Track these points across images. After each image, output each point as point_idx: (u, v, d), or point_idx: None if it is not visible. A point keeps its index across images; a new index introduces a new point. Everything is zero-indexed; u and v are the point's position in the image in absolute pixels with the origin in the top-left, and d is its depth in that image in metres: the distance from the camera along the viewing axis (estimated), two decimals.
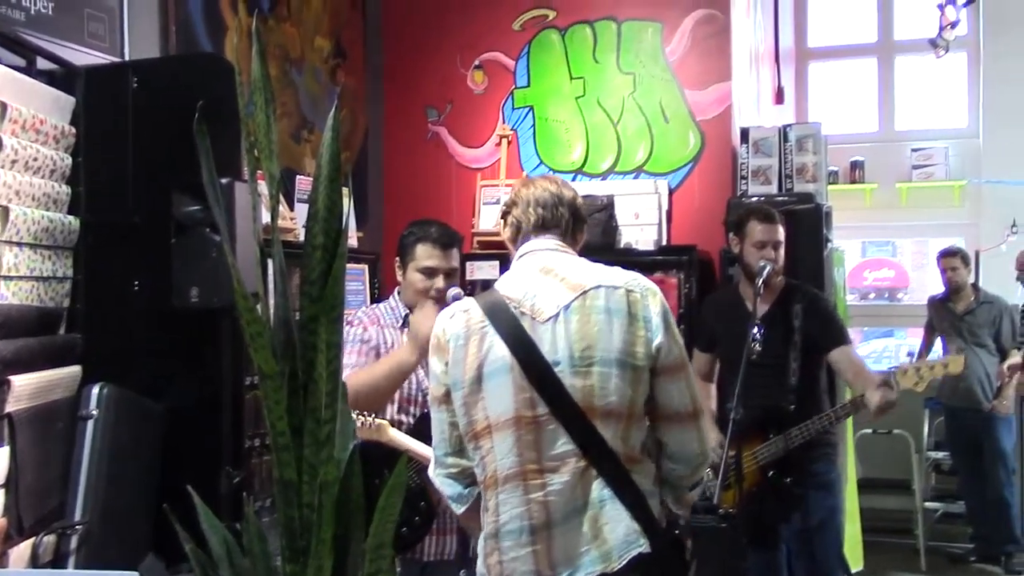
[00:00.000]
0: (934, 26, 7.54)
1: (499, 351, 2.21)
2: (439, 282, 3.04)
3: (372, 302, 4.75)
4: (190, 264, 3.12)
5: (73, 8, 3.73)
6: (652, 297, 2.26)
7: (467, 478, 2.33)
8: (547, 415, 2.17)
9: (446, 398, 2.29)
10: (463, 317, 2.29)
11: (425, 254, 3.07)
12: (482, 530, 2.28)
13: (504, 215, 2.46)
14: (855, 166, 8.73)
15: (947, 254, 6.42)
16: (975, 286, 6.45)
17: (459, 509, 2.38)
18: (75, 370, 3.12)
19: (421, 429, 2.91)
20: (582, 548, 2.15)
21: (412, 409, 3.11)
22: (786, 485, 3.70)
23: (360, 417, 2.94)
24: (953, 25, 7.42)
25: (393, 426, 3.00)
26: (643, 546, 2.14)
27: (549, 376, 2.17)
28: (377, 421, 2.94)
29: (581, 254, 2.44)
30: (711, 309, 4.21)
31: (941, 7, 7.34)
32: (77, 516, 2.91)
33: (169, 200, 3.14)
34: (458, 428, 2.29)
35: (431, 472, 2.41)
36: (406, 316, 3.15)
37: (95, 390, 3.04)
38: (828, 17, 9.35)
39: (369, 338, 3.13)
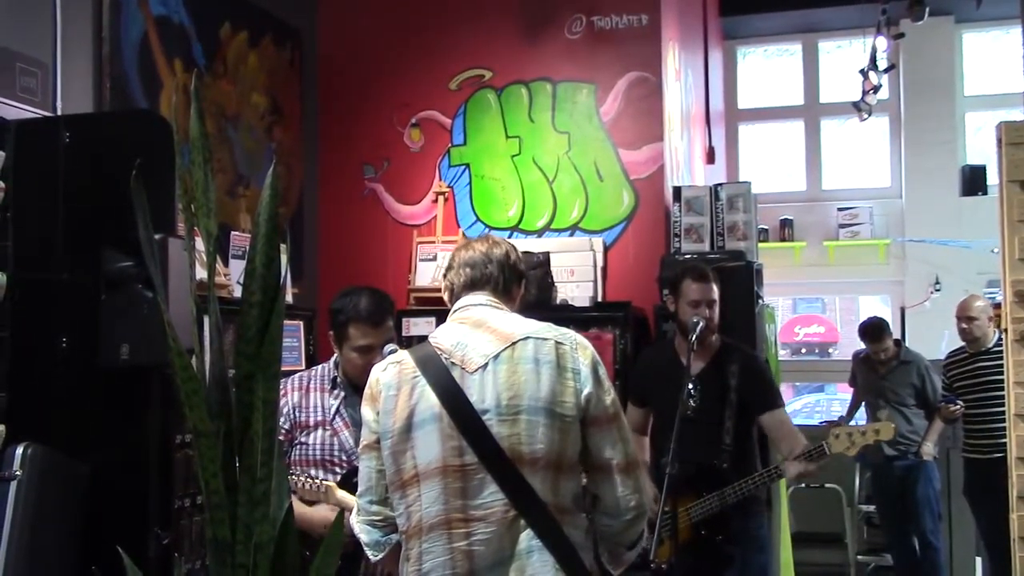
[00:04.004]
0: (857, 90, 7.80)
1: (429, 400, 2.23)
2: (378, 357, 3.02)
3: (307, 358, 4.71)
4: (120, 321, 3.07)
5: (5, 62, 3.69)
6: (582, 350, 2.29)
7: (387, 526, 2.34)
8: (475, 464, 2.17)
9: (376, 445, 2.31)
10: (395, 368, 2.32)
11: (359, 334, 3.04)
12: None
13: (443, 277, 2.52)
14: (784, 224, 8.93)
15: (873, 340, 6.34)
16: (898, 342, 6.55)
17: (375, 556, 2.38)
18: None
19: (346, 488, 2.91)
20: None
21: (336, 469, 3.08)
22: (718, 543, 3.72)
23: (308, 480, 2.91)
24: (875, 90, 7.69)
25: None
26: None
27: (477, 424, 2.18)
28: (325, 484, 2.91)
29: (520, 310, 2.46)
30: (645, 364, 4.24)
31: (864, 72, 7.60)
32: None
33: (99, 256, 3.10)
34: (385, 477, 2.29)
35: (352, 518, 2.41)
36: (335, 378, 3.16)
37: (19, 450, 2.96)
38: (757, 81, 9.63)
39: (283, 405, 3.13)
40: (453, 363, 2.26)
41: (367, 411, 2.34)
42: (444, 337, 2.33)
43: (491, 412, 2.19)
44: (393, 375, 2.30)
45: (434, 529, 2.18)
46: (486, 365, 2.23)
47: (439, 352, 2.28)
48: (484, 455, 2.17)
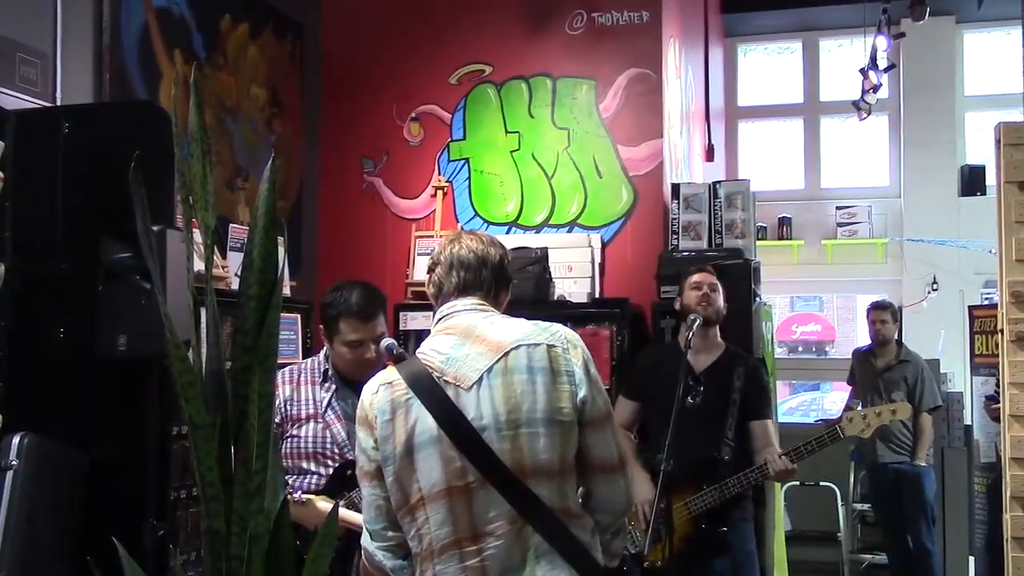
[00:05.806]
0: (857, 89, 7.81)
1: (425, 423, 2.18)
2: (368, 352, 3.02)
3: (304, 351, 4.71)
4: (118, 312, 3.07)
5: (4, 52, 3.69)
6: (574, 350, 2.26)
7: (404, 549, 2.28)
8: (478, 481, 2.15)
9: (378, 474, 2.24)
10: (387, 391, 2.25)
11: (349, 328, 3.02)
12: None
13: (429, 271, 2.45)
14: (783, 222, 8.95)
15: (877, 307, 6.53)
16: (899, 342, 6.58)
17: None
18: None
19: (339, 482, 2.95)
20: None
21: (328, 462, 3.08)
22: (719, 534, 3.78)
23: (289, 493, 2.88)
24: (875, 89, 7.69)
25: (310, 476, 3.03)
26: None
27: (477, 443, 2.15)
28: (305, 497, 2.87)
29: (512, 306, 2.44)
30: (647, 359, 4.27)
31: (864, 71, 7.61)
32: None
33: (98, 247, 3.10)
34: (391, 502, 2.24)
35: (366, 543, 2.35)
36: (325, 371, 3.16)
37: (16, 440, 2.96)
38: (757, 78, 9.63)
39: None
40: (447, 382, 2.20)
41: (363, 436, 2.27)
42: (433, 352, 2.27)
43: (490, 429, 2.16)
44: (385, 399, 2.24)
45: (445, 551, 2.15)
46: (481, 380, 2.19)
47: (430, 370, 2.23)
48: (487, 472, 2.14)
